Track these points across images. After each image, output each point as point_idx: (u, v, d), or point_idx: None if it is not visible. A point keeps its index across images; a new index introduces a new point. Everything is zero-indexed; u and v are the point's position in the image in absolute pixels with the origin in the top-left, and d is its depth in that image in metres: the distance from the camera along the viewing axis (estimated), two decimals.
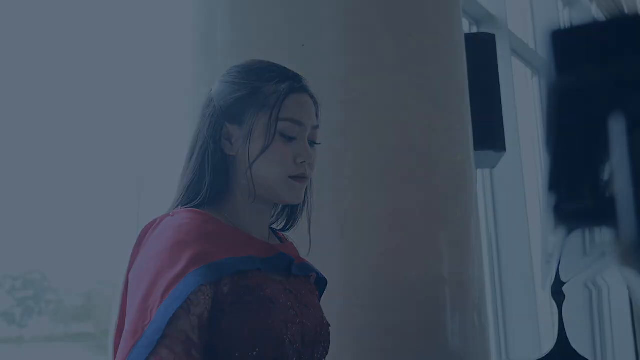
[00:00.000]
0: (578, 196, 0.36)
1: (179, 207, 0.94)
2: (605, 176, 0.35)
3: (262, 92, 0.94)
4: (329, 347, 1.02)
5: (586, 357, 1.51)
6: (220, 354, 0.85)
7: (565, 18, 4.68)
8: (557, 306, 1.59)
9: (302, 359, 0.93)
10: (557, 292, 1.57)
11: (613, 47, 0.32)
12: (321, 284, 1.11)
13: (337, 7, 1.57)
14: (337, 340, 1.04)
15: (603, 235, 0.49)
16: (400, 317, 1.45)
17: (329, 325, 1.02)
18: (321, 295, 1.10)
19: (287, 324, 0.90)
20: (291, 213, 1.05)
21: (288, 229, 1.06)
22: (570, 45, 0.32)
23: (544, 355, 1.57)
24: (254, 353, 0.85)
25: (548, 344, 1.60)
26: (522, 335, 3.07)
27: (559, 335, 1.58)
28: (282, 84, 0.94)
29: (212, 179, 0.93)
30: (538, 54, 3.86)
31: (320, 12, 1.55)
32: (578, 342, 1.54)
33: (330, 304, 1.09)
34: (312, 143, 0.97)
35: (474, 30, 3.28)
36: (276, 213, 1.05)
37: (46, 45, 4.49)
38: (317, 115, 0.99)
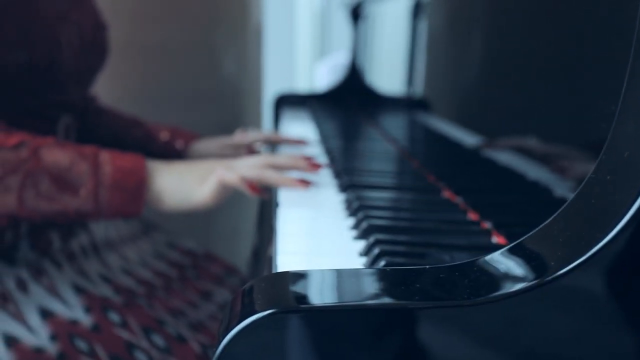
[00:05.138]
0: None
1: None
2: None
3: None
4: (106, 54, 0.92)
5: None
6: None
7: None
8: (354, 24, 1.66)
9: (79, 65, 0.83)
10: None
11: None
12: None
13: None
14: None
15: None
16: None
17: (105, 28, 0.91)
18: None
19: (61, 20, 0.77)
20: None
21: None
22: None
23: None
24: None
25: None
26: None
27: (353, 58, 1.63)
28: None
29: None
30: None
31: None
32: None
33: None
34: None
35: None
36: None
37: None
38: None
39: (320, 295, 0.34)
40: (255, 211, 1.90)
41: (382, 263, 0.47)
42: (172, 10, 1.49)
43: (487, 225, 0.60)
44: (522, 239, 0.37)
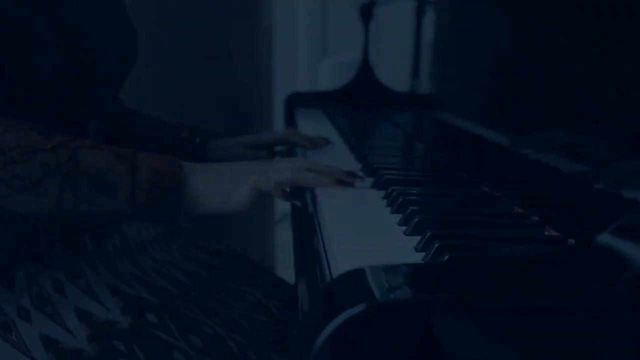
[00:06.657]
0: None
1: None
2: None
3: None
4: (135, 59, 0.90)
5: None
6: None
7: None
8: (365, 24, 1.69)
9: (110, 70, 0.83)
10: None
11: None
12: None
13: None
14: None
15: None
16: None
17: (135, 32, 0.90)
18: None
19: (95, 24, 0.77)
20: None
21: None
22: None
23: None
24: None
25: None
26: None
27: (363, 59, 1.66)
28: None
29: None
30: None
31: None
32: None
33: None
34: None
35: None
36: None
37: None
38: None
39: (409, 288, 0.34)
40: (265, 211, 1.90)
41: (445, 257, 0.47)
42: (185, 13, 1.49)
43: (535, 218, 0.60)
44: (624, 218, 0.36)
